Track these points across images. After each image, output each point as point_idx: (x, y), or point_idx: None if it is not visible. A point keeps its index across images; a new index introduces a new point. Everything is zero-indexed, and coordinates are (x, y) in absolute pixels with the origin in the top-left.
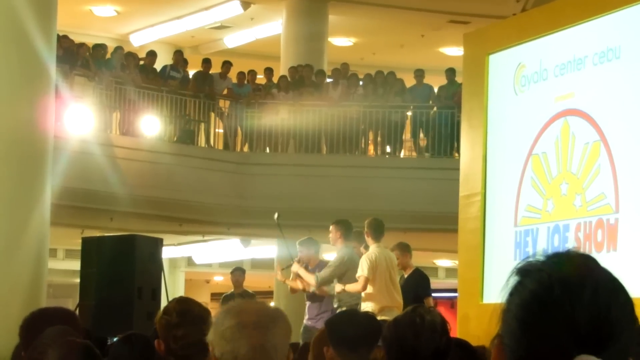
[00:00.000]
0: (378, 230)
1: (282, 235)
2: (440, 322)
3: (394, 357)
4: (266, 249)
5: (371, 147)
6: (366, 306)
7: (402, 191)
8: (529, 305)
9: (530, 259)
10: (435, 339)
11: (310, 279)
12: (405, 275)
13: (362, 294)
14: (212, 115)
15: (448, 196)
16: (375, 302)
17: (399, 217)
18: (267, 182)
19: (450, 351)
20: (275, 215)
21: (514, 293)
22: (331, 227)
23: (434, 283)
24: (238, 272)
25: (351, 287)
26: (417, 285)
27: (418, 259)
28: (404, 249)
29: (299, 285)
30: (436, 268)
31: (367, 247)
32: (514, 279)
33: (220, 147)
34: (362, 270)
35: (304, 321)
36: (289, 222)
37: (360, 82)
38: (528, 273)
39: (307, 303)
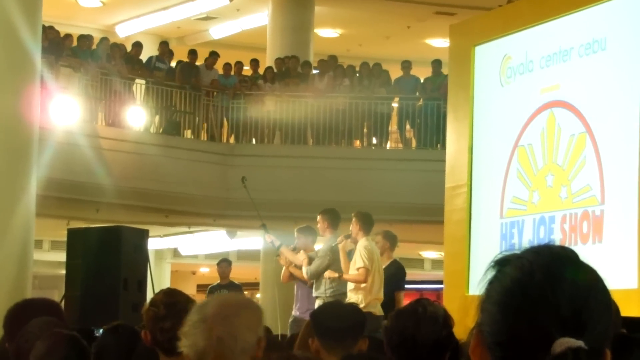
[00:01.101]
0: (369, 223)
1: (273, 244)
2: (443, 315)
3: (394, 347)
4: (252, 240)
5: (357, 139)
6: (356, 298)
7: (388, 183)
8: (510, 290)
9: (507, 252)
10: (436, 330)
11: (297, 259)
12: (384, 267)
13: (351, 285)
14: (198, 106)
15: (434, 188)
16: (366, 293)
17: (385, 209)
18: (253, 174)
19: (451, 345)
20: (263, 227)
21: (493, 281)
22: (318, 217)
23: (420, 275)
24: (224, 263)
25: (350, 277)
26: (390, 278)
27: (404, 251)
28: (390, 239)
29: (297, 272)
30: (422, 260)
31: (347, 237)
32: (493, 270)
33: (207, 138)
34: (363, 262)
35: (293, 312)
36: (275, 213)
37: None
38: (507, 262)
39: (298, 293)
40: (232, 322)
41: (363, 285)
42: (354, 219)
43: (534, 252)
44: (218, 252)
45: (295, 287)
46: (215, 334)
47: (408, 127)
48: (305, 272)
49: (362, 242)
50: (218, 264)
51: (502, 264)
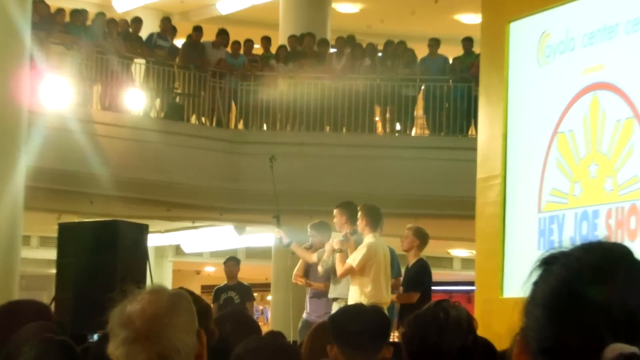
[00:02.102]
0: (377, 218)
1: (281, 242)
2: (467, 319)
3: (414, 355)
4: (262, 236)
5: (379, 125)
6: (354, 299)
7: (413, 173)
8: (557, 291)
9: (554, 249)
10: (461, 336)
11: (310, 257)
12: (409, 266)
13: (350, 285)
14: (204, 88)
15: (464, 179)
16: (365, 295)
17: (410, 202)
18: (264, 163)
19: (477, 350)
20: (276, 218)
21: (538, 282)
22: (335, 211)
23: (449, 275)
24: (232, 262)
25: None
26: (410, 278)
27: (431, 248)
28: (421, 237)
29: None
30: (451, 258)
31: (353, 233)
32: (539, 270)
33: (213, 124)
34: (353, 259)
35: (304, 315)
36: (288, 207)
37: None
38: (554, 260)
39: (311, 297)
40: (168, 334)
41: (351, 284)
42: (359, 213)
43: (583, 249)
44: (225, 250)
45: (308, 292)
46: (154, 352)
47: (435, 112)
48: (320, 269)
49: (367, 240)
50: (225, 263)
51: (548, 263)
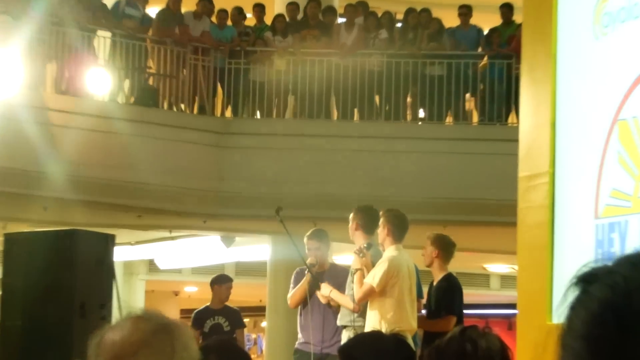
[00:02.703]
0: (402, 228)
1: (288, 233)
2: (500, 351)
3: None
4: (256, 249)
5: (399, 112)
6: (372, 326)
7: (440, 170)
8: (600, 318)
9: (594, 264)
10: None
11: (348, 303)
12: (435, 283)
13: (368, 309)
14: (183, 68)
15: (503, 177)
16: (386, 321)
17: (436, 206)
18: (257, 159)
19: None
20: (277, 211)
21: (576, 306)
22: (351, 217)
23: (485, 296)
24: (227, 282)
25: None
26: (437, 299)
27: (463, 262)
28: (442, 246)
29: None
30: (487, 275)
31: (369, 247)
32: (575, 289)
33: (194, 111)
34: (372, 277)
35: (296, 344)
36: (287, 213)
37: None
38: (594, 278)
39: (306, 319)
40: None
41: (369, 307)
42: (381, 220)
43: (631, 265)
44: (209, 266)
45: (299, 309)
46: None
47: (467, 95)
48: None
49: (388, 252)
50: (217, 283)
51: (587, 281)
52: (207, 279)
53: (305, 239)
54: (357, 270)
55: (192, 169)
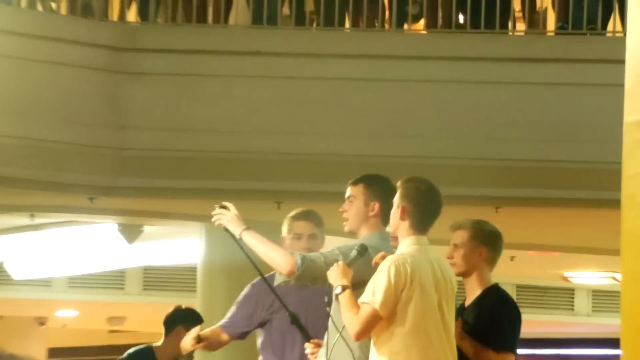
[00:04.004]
0: (430, 207)
1: (242, 249)
2: None
3: None
4: (178, 246)
5: (423, 15)
6: None
7: (489, 114)
8: None
9: None
10: None
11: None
12: (472, 300)
13: (373, 347)
14: None
15: (597, 123)
16: (413, 352)
17: (482, 174)
18: (180, 94)
19: None
20: (216, 208)
21: None
22: (350, 191)
23: (568, 325)
24: (191, 321)
25: (353, 319)
26: (478, 326)
27: (527, 270)
28: (492, 240)
29: None
30: (570, 291)
31: (362, 253)
32: None
33: (77, 13)
34: (372, 292)
35: None
36: (234, 185)
37: None
38: None
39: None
40: None
41: (356, 341)
42: (398, 195)
43: None
44: (99, 275)
45: (260, 342)
46: None
47: None
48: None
49: (402, 247)
50: (178, 322)
51: None
52: (94, 296)
53: (287, 221)
54: (342, 288)
55: (68, 110)
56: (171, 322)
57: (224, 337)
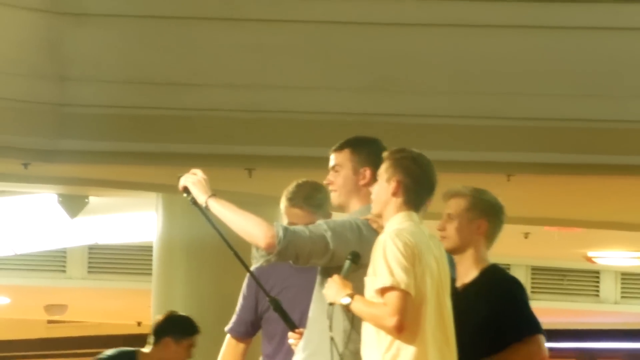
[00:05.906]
0: (425, 181)
1: (210, 221)
2: None
3: None
4: (129, 221)
5: None
6: None
7: (497, 61)
8: None
9: None
10: None
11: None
12: (467, 281)
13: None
14: None
15: (626, 75)
16: (402, 356)
17: (488, 133)
18: (132, 36)
19: None
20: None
21: None
22: (334, 158)
23: (593, 314)
24: (185, 333)
25: (371, 311)
26: (480, 313)
27: (543, 250)
28: (492, 211)
29: None
30: (595, 274)
31: (355, 259)
32: None
33: None
34: (389, 273)
35: None
36: (199, 149)
37: None
38: None
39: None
40: None
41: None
42: (384, 166)
43: None
44: (35, 255)
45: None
46: None
47: None
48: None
49: (393, 224)
50: (166, 332)
51: None
52: (31, 281)
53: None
54: (349, 297)
55: (8, 57)
56: (160, 331)
57: (236, 345)
